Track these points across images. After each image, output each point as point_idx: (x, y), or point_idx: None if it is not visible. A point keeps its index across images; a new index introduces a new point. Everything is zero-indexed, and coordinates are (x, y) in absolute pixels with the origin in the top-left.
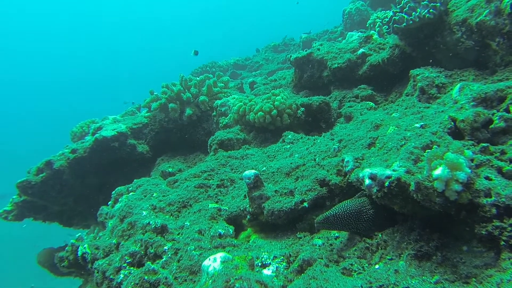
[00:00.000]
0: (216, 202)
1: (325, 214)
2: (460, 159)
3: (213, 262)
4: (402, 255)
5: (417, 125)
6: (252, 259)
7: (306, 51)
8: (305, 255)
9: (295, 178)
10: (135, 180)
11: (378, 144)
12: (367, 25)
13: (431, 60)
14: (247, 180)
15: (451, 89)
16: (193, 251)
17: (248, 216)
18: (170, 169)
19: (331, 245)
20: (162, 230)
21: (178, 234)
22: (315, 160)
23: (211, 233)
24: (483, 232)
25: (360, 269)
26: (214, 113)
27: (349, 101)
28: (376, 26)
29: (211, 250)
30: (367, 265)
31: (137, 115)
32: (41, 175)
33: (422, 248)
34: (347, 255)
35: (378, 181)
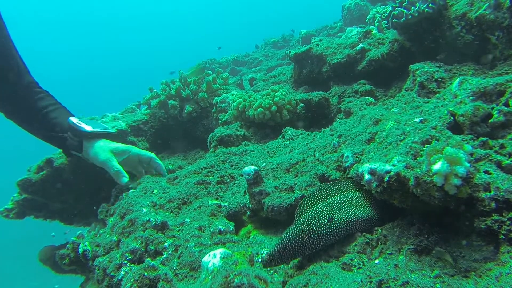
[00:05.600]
0: (216, 199)
1: (269, 251)
2: (459, 154)
3: (213, 258)
4: (402, 250)
5: (417, 119)
6: (252, 255)
7: (305, 46)
8: None
9: (295, 174)
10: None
11: (377, 139)
12: (366, 20)
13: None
14: (247, 176)
15: (451, 83)
16: (193, 248)
17: (248, 212)
18: (170, 166)
19: None
20: (162, 227)
21: (179, 230)
22: (314, 155)
23: (211, 229)
24: (482, 226)
25: (360, 264)
26: (213, 110)
27: (348, 97)
28: (375, 21)
29: (211, 247)
30: (367, 260)
31: (137, 112)
32: (41, 173)
33: (422, 242)
34: (347, 250)
35: (378, 176)
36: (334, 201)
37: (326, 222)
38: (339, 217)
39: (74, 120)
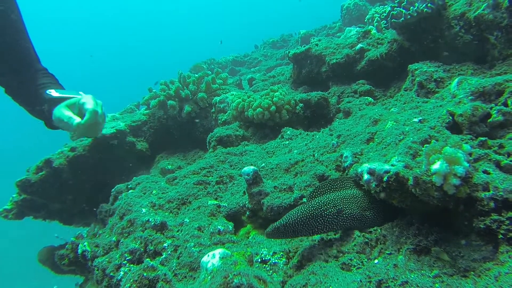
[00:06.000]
0: (216, 199)
1: (275, 224)
2: (458, 153)
3: (212, 258)
4: (401, 250)
5: (416, 119)
6: (251, 255)
7: (304, 46)
8: (305, 250)
9: (294, 174)
10: (134, 177)
11: (376, 139)
12: (365, 20)
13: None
14: (246, 177)
15: (450, 83)
16: (192, 248)
17: (247, 213)
18: (169, 166)
19: (330, 240)
20: (161, 227)
21: (178, 231)
22: (313, 155)
23: (211, 229)
24: (481, 226)
25: (359, 264)
26: (213, 110)
27: (347, 97)
28: (374, 21)
29: (210, 247)
30: (366, 260)
31: (136, 112)
32: (40, 173)
33: (421, 242)
34: (346, 250)
35: (377, 176)
36: (347, 194)
37: (335, 212)
38: (347, 211)
39: (48, 91)
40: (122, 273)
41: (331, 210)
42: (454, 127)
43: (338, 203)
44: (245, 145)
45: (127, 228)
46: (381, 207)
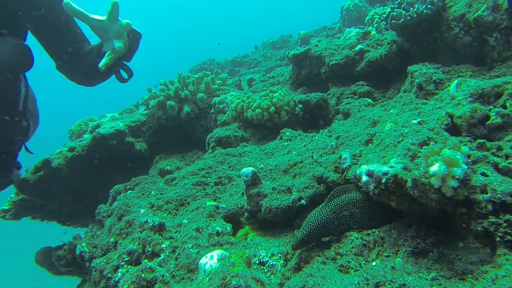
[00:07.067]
0: (214, 200)
1: (298, 236)
2: (456, 156)
3: (210, 260)
4: (399, 252)
5: (415, 121)
6: (249, 257)
7: (304, 47)
8: (302, 252)
9: (293, 175)
10: (133, 178)
11: (375, 141)
12: (365, 21)
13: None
14: (245, 178)
15: (449, 85)
16: (190, 249)
17: (246, 214)
18: (168, 167)
19: (328, 242)
20: (160, 228)
21: (176, 232)
22: (312, 157)
23: (209, 231)
24: (479, 228)
25: (357, 266)
26: (212, 110)
27: (347, 98)
28: (374, 22)
29: (209, 248)
30: (364, 262)
31: (135, 112)
32: (38, 173)
33: (419, 245)
34: (344, 252)
35: (375, 177)
36: (357, 197)
37: (348, 215)
38: (358, 215)
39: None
40: (120, 274)
41: (345, 213)
42: (453, 129)
43: (350, 206)
44: (244, 146)
45: (125, 229)
46: (387, 211)
